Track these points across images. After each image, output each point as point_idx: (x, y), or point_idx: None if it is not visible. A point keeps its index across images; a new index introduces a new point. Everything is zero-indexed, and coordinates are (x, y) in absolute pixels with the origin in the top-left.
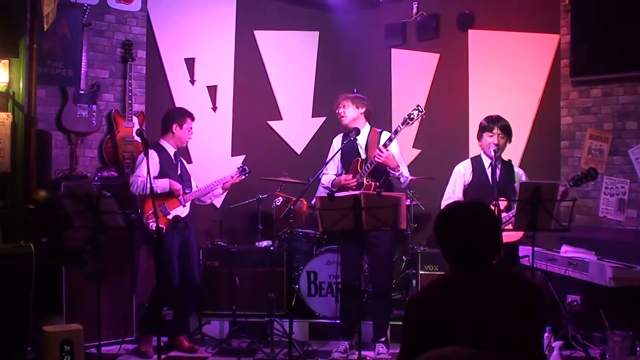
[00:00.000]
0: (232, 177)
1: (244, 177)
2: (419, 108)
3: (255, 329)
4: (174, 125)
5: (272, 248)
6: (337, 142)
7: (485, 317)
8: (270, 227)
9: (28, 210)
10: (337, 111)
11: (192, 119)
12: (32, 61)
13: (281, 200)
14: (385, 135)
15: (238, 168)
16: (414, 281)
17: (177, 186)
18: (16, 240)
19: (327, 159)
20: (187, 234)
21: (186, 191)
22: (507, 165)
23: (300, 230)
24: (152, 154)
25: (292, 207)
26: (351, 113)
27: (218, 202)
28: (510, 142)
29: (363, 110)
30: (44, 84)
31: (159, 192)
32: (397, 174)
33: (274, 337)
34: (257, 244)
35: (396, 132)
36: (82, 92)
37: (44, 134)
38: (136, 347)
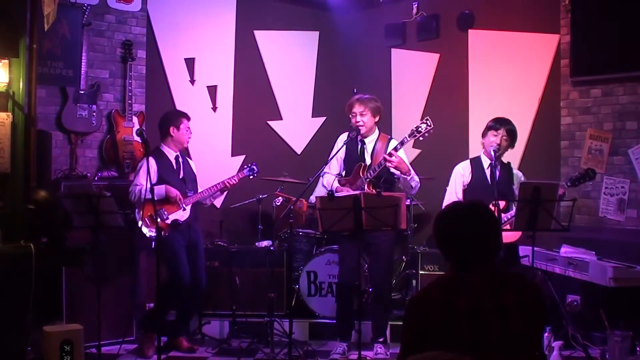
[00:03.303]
0: (236, 178)
1: (251, 176)
2: (428, 122)
3: (255, 329)
4: (171, 128)
5: (272, 248)
6: (341, 141)
7: (486, 318)
8: (270, 227)
9: (28, 210)
10: (353, 118)
11: (188, 118)
12: (32, 61)
13: (281, 200)
14: (393, 143)
15: (246, 167)
16: (414, 281)
17: (174, 193)
18: (16, 240)
19: (330, 157)
20: (193, 236)
21: (188, 194)
22: (507, 167)
23: (300, 230)
24: (150, 161)
25: (292, 207)
26: (369, 122)
27: (218, 202)
28: (512, 147)
29: (378, 118)
30: (44, 84)
31: (156, 199)
32: (409, 178)
33: (274, 337)
34: (257, 244)
35: (402, 143)
36: (82, 92)
37: (44, 134)
38: (137, 347)
